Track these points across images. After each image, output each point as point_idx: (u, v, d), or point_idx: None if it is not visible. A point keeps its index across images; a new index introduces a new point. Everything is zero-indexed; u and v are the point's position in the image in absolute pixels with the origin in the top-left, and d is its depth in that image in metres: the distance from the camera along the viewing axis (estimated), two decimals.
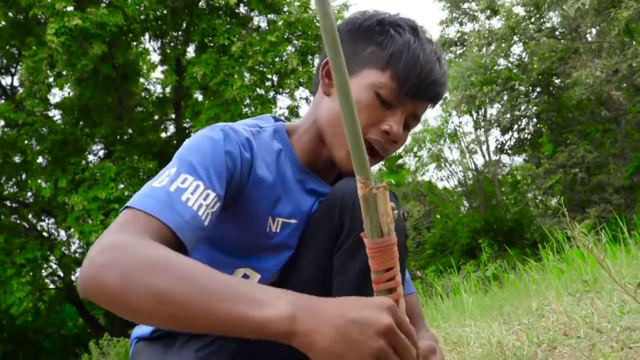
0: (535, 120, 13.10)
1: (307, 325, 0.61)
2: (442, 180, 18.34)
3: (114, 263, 0.65)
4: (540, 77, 11.89)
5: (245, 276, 0.96)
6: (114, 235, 0.71)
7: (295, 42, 10.14)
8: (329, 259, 0.94)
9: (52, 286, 11.84)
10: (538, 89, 12.49)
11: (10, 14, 10.02)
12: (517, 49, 12.73)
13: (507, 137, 13.42)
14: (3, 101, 10.84)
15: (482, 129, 15.27)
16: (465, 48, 13.97)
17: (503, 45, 11.81)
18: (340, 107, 0.59)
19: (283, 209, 0.97)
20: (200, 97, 10.89)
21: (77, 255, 12.09)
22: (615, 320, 1.62)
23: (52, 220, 12.06)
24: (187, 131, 11.91)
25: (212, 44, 9.79)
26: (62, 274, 11.49)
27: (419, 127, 18.59)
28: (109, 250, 0.67)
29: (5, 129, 10.42)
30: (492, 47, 12.04)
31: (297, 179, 0.99)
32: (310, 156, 1.00)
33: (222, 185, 0.85)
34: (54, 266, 11.53)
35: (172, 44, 11.42)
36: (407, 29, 0.95)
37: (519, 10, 11.82)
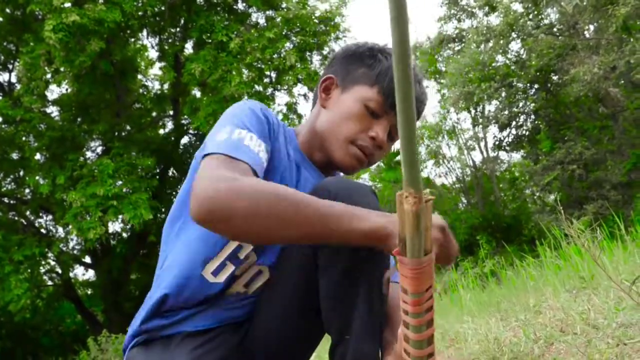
0: (533, 116, 13.12)
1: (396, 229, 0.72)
2: (440, 176, 18.36)
3: (240, 192, 0.82)
4: (538, 73, 11.89)
5: (239, 247, 1.03)
6: (220, 170, 0.87)
7: (294, 38, 10.13)
8: (313, 255, 0.97)
9: (50, 283, 11.84)
10: (536, 86, 12.50)
11: (8, 10, 9.98)
12: (515, 45, 12.73)
13: (505, 133, 13.45)
14: (1, 98, 10.80)
15: (480, 126, 15.28)
16: (463, 44, 13.96)
17: (501, 41, 11.80)
18: (399, 129, 0.58)
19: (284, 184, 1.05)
20: (198, 94, 10.88)
21: (75, 252, 12.09)
22: (611, 317, 1.63)
23: (50, 217, 12.05)
24: (185, 128, 11.90)
25: (210, 41, 9.77)
26: (60, 271, 11.48)
27: (417, 124, 18.57)
28: (228, 182, 0.83)
29: (3, 126, 10.39)
30: (490, 44, 12.04)
31: (296, 163, 1.13)
32: (307, 156, 1.16)
33: (268, 142, 1.02)
34: (52, 263, 11.52)
35: (170, 41, 11.39)
36: (392, 55, 1.04)
37: (517, 7, 11.83)
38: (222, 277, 1.03)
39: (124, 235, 12.60)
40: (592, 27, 11.95)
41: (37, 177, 9.90)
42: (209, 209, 0.81)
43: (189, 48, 11.11)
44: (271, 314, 1.02)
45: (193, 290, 1.02)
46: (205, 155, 0.93)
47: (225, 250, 1.02)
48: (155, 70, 14.58)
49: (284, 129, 1.14)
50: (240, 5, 10.82)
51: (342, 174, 1.21)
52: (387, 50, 1.15)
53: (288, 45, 9.99)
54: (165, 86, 12.11)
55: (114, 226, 11.98)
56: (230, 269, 1.03)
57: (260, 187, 0.83)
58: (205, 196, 0.81)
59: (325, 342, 1.09)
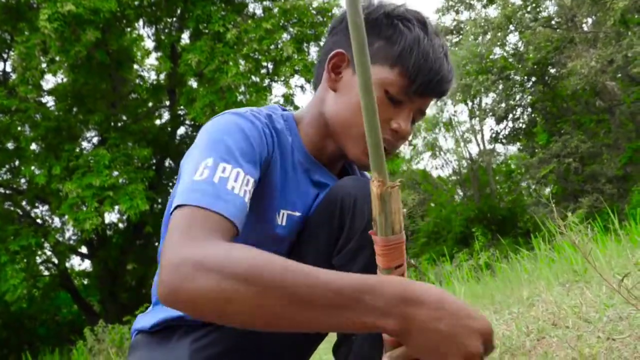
0: (529, 109, 13.13)
1: (414, 329, 0.61)
2: (436, 168, 18.46)
3: (204, 276, 0.63)
4: (535, 66, 11.89)
5: None
6: (187, 242, 0.68)
7: (291, 29, 10.07)
8: (328, 260, 0.94)
9: (46, 273, 11.84)
10: (533, 79, 12.50)
11: None
12: (513, 38, 12.75)
13: (501, 126, 13.47)
14: None
15: (477, 118, 15.28)
16: (461, 36, 13.93)
17: (499, 34, 11.78)
18: (363, 110, 0.58)
19: (290, 200, 0.97)
20: (194, 84, 10.82)
21: (71, 242, 12.07)
22: (602, 311, 1.65)
23: (46, 207, 12.02)
24: (181, 118, 11.85)
25: (207, 31, 9.71)
26: (56, 261, 11.47)
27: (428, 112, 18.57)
28: (195, 264, 0.64)
29: None
30: (488, 36, 12.02)
31: (304, 169, 0.99)
32: (316, 148, 1.00)
33: (257, 170, 0.86)
34: (49, 253, 11.51)
35: (166, 31, 11.32)
36: (415, 23, 0.93)
37: None
38: None
39: (120, 226, 12.60)
40: (590, 21, 11.94)
41: (32, 168, 9.85)
42: (176, 300, 0.64)
43: (185, 38, 11.04)
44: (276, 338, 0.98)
45: None
46: (178, 206, 0.75)
47: None
48: (152, 60, 14.52)
49: (283, 130, 0.97)
50: None
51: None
52: (408, 17, 0.93)
53: (285, 36, 9.94)
54: (162, 76, 12.03)
55: (110, 217, 11.97)
56: None
57: (234, 267, 0.63)
58: (171, 286, 0.64)
59: (325, 343, 1.09)
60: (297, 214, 0.98)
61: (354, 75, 0.92)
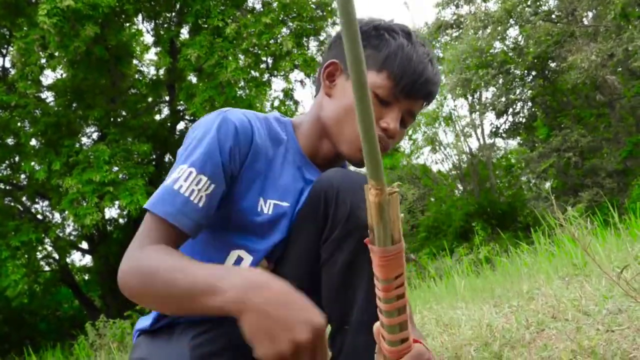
0: (530, 104, 13.12)
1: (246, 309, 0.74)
2: (436, 163, 18.44)
3: (132, 274, 0.86)
4: (535, 60, 11.87)
5: (240, 258, 1.00)
6: (138, 242, 0.89)
7: (290, 24, 10.05)
8: (317, 250, 0.97)
9: (47, 268, 11.86)
10: (533, 73, 12.48)
11: None
12: (513, 32, 12.70)
13: (501, 120, 13.45)
14: None
15: (477, 113, 15.27)
16: (461, 31, 13.89)
17: (499, 28, 11.75)
18: (358, 117, 0.57)
19: (278, 191, 1.02)
20: (194, 80, 10.81)
21: (71, 237, 12.09)
22: (601, 304, 1.66)
23: (46, 202, 12.03)
24: (181, 113, 11.85)
25: (206, 26, 9.69)
26: (57, 257, 11.50)
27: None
28: (131, 262, 0.87)
29: None
30: (488, 30, 11.99)
31: (297, 166, 1.05)
32: (312, 149, 1.08)
33: (217, 169, 0.93)
34: (49, 249, 11.53)
35: (165, 26, 11.29)
36: (400, 33, 1.03)
37: None
38: None
39: (121, 221, 12.61)
40: (590, 14, 11.91)
41: (32, 163, 9.86)
42: (122, 288, 0.87)
43: (184, 33, 11.02)
44: None
45: None
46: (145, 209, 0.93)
47: (229, 260, 1.01)
48: (151, 55, 14.46)
49: (277, 129, 1.05)
50: None
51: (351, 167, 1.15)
52: (394, 28, 1.03)
53: (285, 30, 9.92)
54: (161, 72, 12.02)
55: (111, 212, 11.98)
56: None
57: (145, 268, 0.85)
58: (120, 276, 0.87)
59: None
60: (285, 204, 1.01)
61: (347, 81, 1.01)
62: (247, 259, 1.01)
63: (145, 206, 0.92)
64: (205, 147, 0.93)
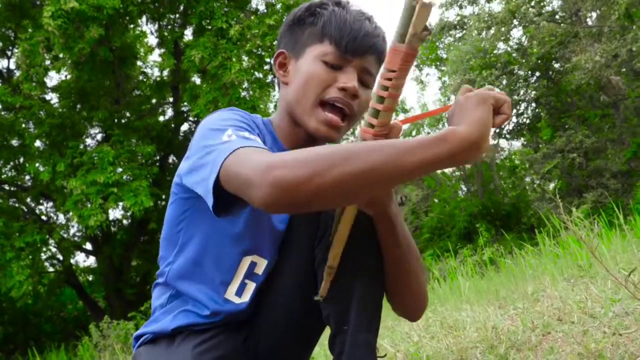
0: (534, 104, 13.07)
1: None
2: None
3: (303, 168, 0.73)
4: (539, 61, 11.83)
5: (253, 263, 1.02)
6: (261, 157, 0.79)
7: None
8: (312, 250, 1.00)
9: (51, 269, 11.89)
10: (537, 74, 12.44)
11: None
12: (516, 33, 12.68)
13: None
14: (0, 84, 10.76)
15: None
16: (464, 32, 13.87)
17: (503, 29, 11.72)
18: None
19: None
20: (198, 81, 10.82)
21: (75, 238, 12.12)
22: (608, 306, 1.65)
23: (50, 203, 12.07)
24: (185, 115, 11.86)
25: (210, 27, 9.70)
26: (61, 258, 11.53)
27: (417, 111, 18.53)
28: (282, 166, 0.74)
29: (3, 113, 10.36)
30: (492, 31, 11.95)
31: None
32: (292, 140, 1.07)
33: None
34: (53, 250, 11.57)
35: (169, 27, 11.31)
36: (330, 3, 1.06)
37: None
38: (246, 296, 1.03)
39: (125, 222, 12.64)
40: (594, 15, 11.87)
41: (37, 164, 9.89)
42: (288, 186, 0.73)
43: (188, 35, 11.04)
44: (274, 307, 1.03)
45: (224, 314, 1.03)
46: (226, 157, 0.83)
47: (240, 271, 1.02)
48: (155, 57, 14.49)
49: (261, 127, 1.08)
50: None
51: None
52: (325, 2, 1.06)
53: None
54: (165, 73, 12.04)
55: (115, 213, 12.01)
56: (252, 286, 1.03)
57: (320, 155, 0.75)
58: (264, 183, 0.74)
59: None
60: None
61: (297, 63, 1.05)
62: (262, 262, 1.02)
63: (237, 147, 0.83)
64: (235, 122, 0.94)
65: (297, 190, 0.72)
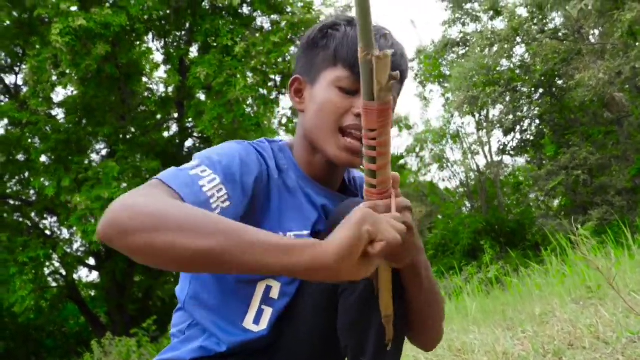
0: (537, 121, 13.09)
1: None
2: (444, 180, 18.34)
3: (152, 223, 0.73)
4: (542, 78, 11.87)
5: (268, 287, 1.00)
6: (146, 195, 0.81)
7: (299, 43, 10.14)
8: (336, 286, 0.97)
9: (54, 284, 11.85)
10: (541, 91, 12.48)
11: (15, 14, 10.03)
12: (519, 50, 12.71)
13: (509, 138, 13.41)
14: (7, 100, 10.85)
15: (485, 130, 15.27)
16: (467, 49, 13.95)
17: (506, 46, 11.79)
18: None
19: (293, 221, 1.01)
20: (203, 97, 10.89)
21: (79, 254, 12.11)
22: (620, 331, 1.63)
23: (54, 219, 12.08)
24: (189, 131, 11.92)
25: (215, 45, 9.80)
26: (64, 273, 11.50)
27: (421, 128, 18.56)
28: (141, 208, 0.75)
29: (9, 128, 10.44)
30: (495, 48, 12.02)
31: (304, 192, 1.04)
32: (309, 166, 1.06)
33: (236, 190, 0.92)
34: (57, 265, 11.54)
35: (175, 44, 11.42)
36: (343, 24, 1.03)
37: (522, 12, 11.81)
38: (264, 323, 1.00)
39: None
40: (597, 32, 11.93)
41: (42, 179, 9.94)
42: (114, 224, 0.75)
43: (194, 52, 11.14)
44: (295, 335, 1.01)
45: (242, 344, 1.00)
46: (155, 178, 0.87)
47: (256, 297, 1.00)
48: (161, 73, 14.58)
49: (280, 156, 1.05)
50: (246, 10, 10.84)
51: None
52: (337, 22, 1.03)
53: (293, 49, 10.00)
54: (170, 89, 12.12)
55: None
56: (269, 312, 1.00)
57: (178, 217, 0.74)
58: (114, 213, 0.76)
59: None
60: (305, 232, 1.02)
61: (313, 89, 1.03)
62: (276, 286, 1.00)
63: (163, 179, 0.85)
64: (230, 165, 0.93)
65: (124, 238, 0.73)
